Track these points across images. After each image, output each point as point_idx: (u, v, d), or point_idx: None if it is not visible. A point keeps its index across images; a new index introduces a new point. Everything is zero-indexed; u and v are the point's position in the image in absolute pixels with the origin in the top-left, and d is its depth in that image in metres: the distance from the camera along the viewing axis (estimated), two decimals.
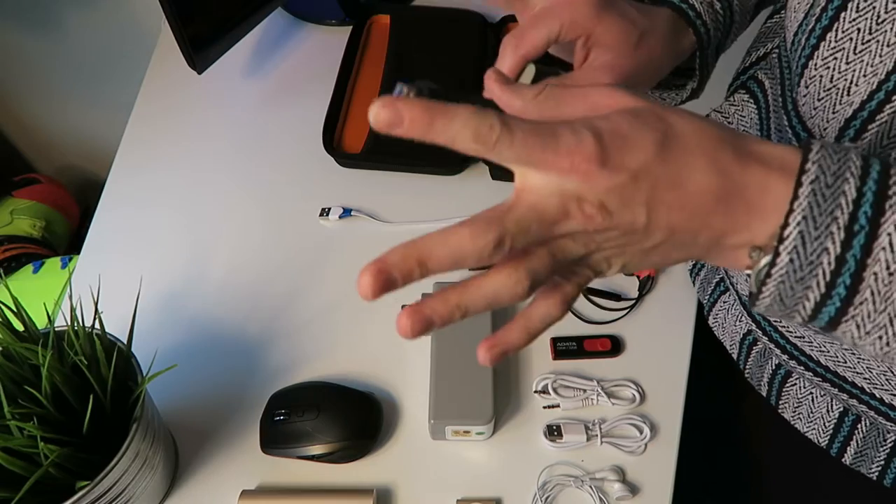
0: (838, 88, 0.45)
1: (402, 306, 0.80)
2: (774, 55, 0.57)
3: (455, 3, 1.00)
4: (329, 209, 0.84)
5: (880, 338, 0.37)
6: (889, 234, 0.35)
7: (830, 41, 0.45)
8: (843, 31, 0.44)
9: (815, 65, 0.47)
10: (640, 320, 0.75)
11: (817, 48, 0.46)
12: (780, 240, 0.36)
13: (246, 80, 0.97)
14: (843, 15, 0.44)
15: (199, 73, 0.86)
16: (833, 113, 0.46)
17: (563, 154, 0.35)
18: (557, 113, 0.39)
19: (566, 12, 0.49)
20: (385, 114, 0.35)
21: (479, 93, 0.42)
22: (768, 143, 0.38)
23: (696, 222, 0.37)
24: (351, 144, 0.89)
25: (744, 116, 0.59)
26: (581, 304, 0.77)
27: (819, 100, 0.47)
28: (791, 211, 0.36)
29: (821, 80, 0.46)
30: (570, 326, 0.75)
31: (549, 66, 0.49)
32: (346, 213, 0.84)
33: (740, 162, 0.37)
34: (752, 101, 0.58)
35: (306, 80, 0.96)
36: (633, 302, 0.76)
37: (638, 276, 0.77)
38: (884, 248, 0.36)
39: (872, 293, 0.36)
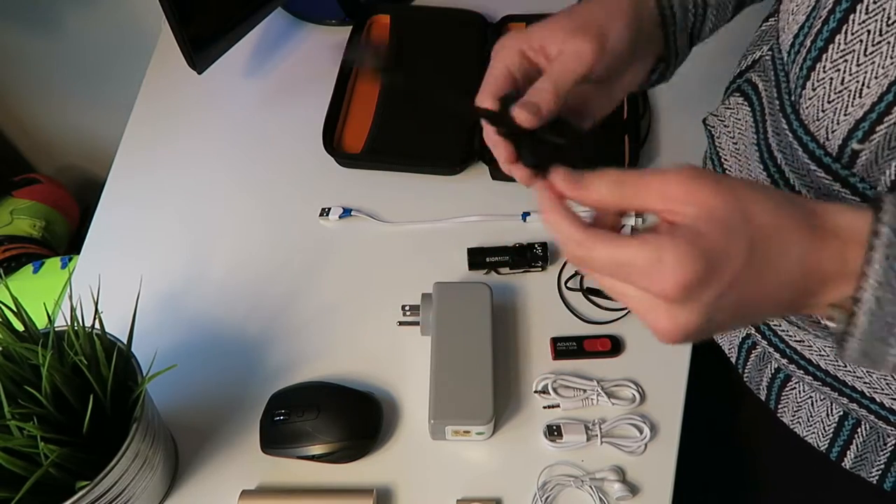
0: (850, 90, 0.45)
1: (403, 306, 0.80)
2: (768, 57, 0.57)
3: (455, 3, 1.00)
4: (329, 209, 0.84)
5: None
6: None
7: (840, 43, 0.45)
8: (852, 34, 0.44)
9: (824, 67, 0.46)
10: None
11: (825, 51, 0.46)
12: (856, 301, 0.38)
13: (246, 80, 0.97)
14: (851, 17, 0.44)
15: (199, 73, 0.86)
16: (844, 115, 0.46)
17: (663, 283, 0.38)
18: (634, 203, 0.41)
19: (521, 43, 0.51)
20: (516, 172, 0.41)
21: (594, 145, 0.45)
22: (839, 208, 0.40)
23: (777, 308, 0.40)
24: (351, 144, 0.89)
25: (738, 119, 0.59)
26: (581, 304, 0.77)
27: (829, 102, 0.47)
28: (865, 276, 0.37)
29: (831, 83, 0.46)
30: (570, 326, 0.75)
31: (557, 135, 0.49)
32: (346, 213, 0.84)
33: (819, 241, 0.39)
34: (746, 103, 0.58)
35: (306, 80, 0.96)
36: None
37: None
38: None
39: None
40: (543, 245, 0.78)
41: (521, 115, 0.47)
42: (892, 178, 0.45)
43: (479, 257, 0.78)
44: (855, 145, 0.46)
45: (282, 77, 0.97)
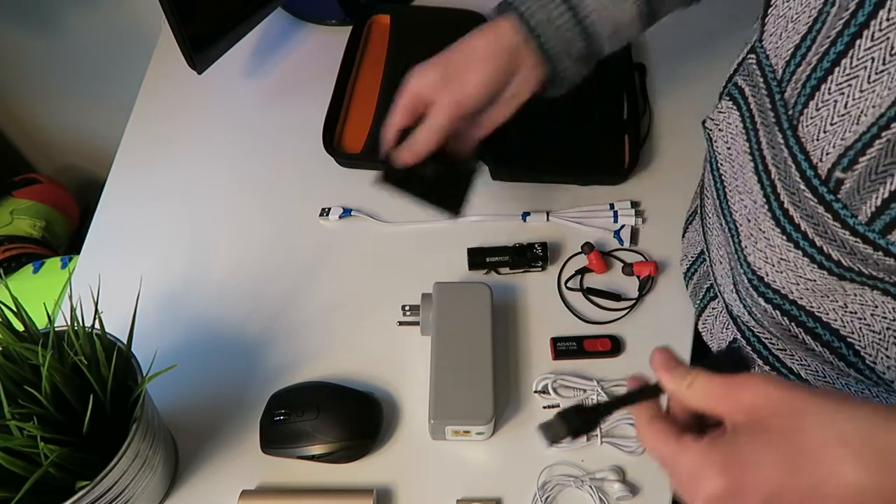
0: (851, 115, 0.45)
1: (403, 306, 0.80)
2: (751, 62, 0.56)
3: (455, 3, 1.00)
4: (329, 209, 0.84)
5: None
6: None
7: (845, 67, 0.45)
8: (857, 59, 0.44)
9: (829, 89, 0.46)
10: (640, 320, 0.75)
11: (831, 73, 0.46)
12: None
13: (246, 80, 0.97)
14: (858, 42, 0.44)
15: (199, 73, 0.86)
16: (841, 139, 0.45)
17: (693, 495, 0.38)
18: (700, 405, 0.40)
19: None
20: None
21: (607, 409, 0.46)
22: None
23: None
24: (351, 144, 0.89)
25: (730, 124, 0.58)
26: (581, 303, 0.77)
27: (832, 124, 0.46)
28: None
29: (835, 106, 0.46)
30: (570, 326, 0.75)
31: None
32: (346, 213, 0.84)
33: (889, 459, 0.35)
34: (735, 108, 0.57)
35: (306, 80, 0.96)
36: (633, 302, 0.76)
37: (638, 276, 0.77)
38: None
39: None
40: (543, 245, 0.78)
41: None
42: (872, 209, 0.44)
43: (479, 257, 0.78)
44: (839, 173, 0.45)
45: (282, 77, 0.97)
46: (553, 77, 0.66)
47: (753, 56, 0.55)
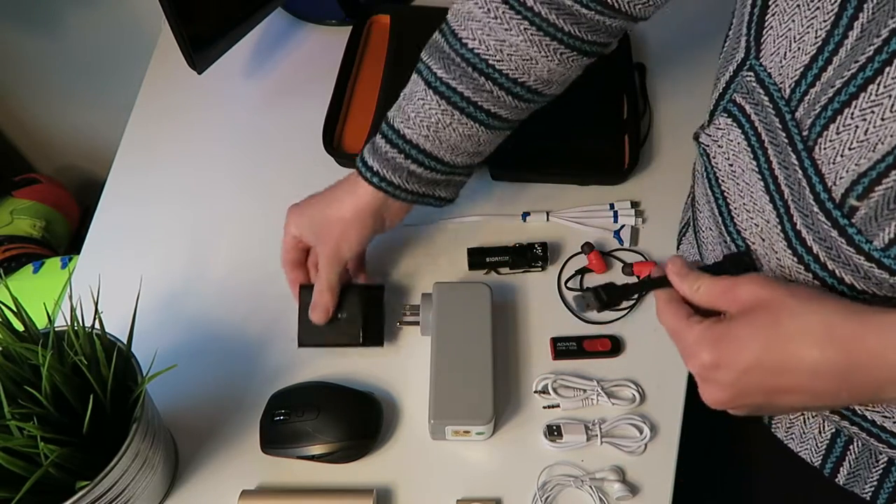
0: (869, 142, 0.45)
1: (403, 306, 0.80)
2: (750, 79, 0.54)
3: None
4: None
5: None
6: None
7: (871, 93, 0.44)
8: (884, 87, 0.44)
9: (853, 114, 0.46)
10: (640, 320, 0.75)
11: (857, 97, 0.45)
12: None
13: (246, 80, 0.97)
14: (887, 70, 0.43)
15: (199, 73, 0.86)
16: (855, 165, 0.45)
17: (691, 364, 0.50)
18: (707, 303, 0.51)
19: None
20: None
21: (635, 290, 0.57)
22: (886, 315, 0.43)
23: (823, 400, 0.46)
24: (351, 144, 0.89)
25: (731, 140, 0.57)
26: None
27: (850, 149, 0.46)
28: None
29: (855, 131, 0.45)
30: (569, 326, 0.75)
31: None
32: None
33: (851, 346, 0.43)
34: (735, 125, 0.56)
35: (306, 80, 0.96)
36: (632, 302, 0.76)
37: (638, 276, 0.77)
38: None
39: None
40: (543, 245, 0.78)
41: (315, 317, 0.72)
42: (891, 235, 0.44)
43: (479, 257, 0.78)
44: (853, 201, 0.46)
45: (282, 77, 0.97)
46: (428, 203, 0.72)
47: (752, 74, 0.54)
